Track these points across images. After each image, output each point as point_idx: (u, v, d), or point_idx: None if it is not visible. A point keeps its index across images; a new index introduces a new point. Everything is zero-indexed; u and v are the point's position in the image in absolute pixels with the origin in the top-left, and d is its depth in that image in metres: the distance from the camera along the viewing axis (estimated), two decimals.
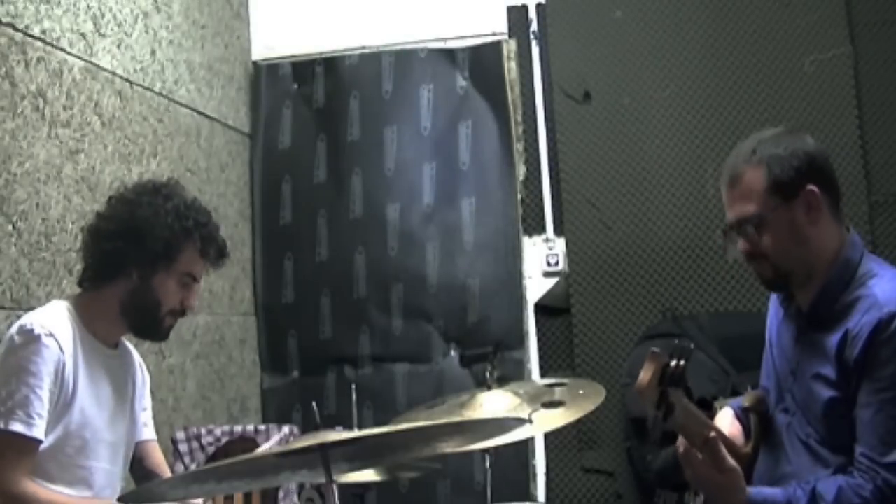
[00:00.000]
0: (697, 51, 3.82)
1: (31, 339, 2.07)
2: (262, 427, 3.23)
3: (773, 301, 2.16)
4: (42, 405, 2.04)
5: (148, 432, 2.43)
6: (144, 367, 2.44)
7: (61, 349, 2.10)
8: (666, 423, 1.79)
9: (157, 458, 2.43)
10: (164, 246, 2.20)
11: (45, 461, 2.07)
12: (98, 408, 2.19)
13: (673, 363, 1.75)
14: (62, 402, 2.10)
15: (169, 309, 2.25)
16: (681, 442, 1.90)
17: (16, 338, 2.08)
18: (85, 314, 2.21)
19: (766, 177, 1.93)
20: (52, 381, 2.07)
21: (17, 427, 2.01)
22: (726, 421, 2.20)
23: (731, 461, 1.86)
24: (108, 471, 2.21)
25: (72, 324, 2.17)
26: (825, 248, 1.95)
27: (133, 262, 2.19)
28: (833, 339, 1.89)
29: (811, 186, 1.93)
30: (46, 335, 2.08)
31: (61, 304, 2.23)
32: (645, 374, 1.75)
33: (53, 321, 2.13)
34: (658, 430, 1.79)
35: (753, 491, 1.87)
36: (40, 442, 2.05)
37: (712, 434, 1.84)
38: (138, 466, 2.39)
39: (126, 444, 2.32)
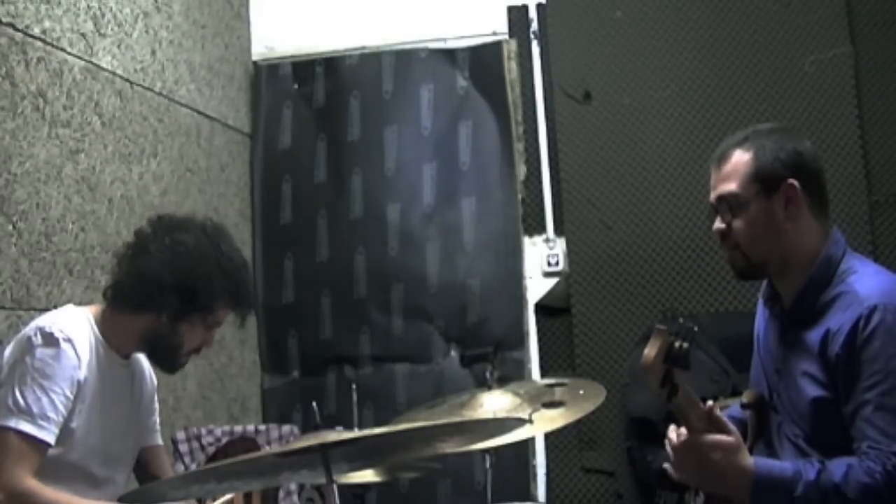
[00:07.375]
0: (697, 51, 3.82)
1: (50, 342, 2.08)
2: (262, 427, 3.23)
3: (760, 302, 2.17)
4: (55, 409, 2.05)
5: (155, 437, 2.43)
6: (153, 374, 2.45)
7: (78, 357, 2.11)
8: (670, 403, 1.78)
9: (164, 464, 2.43)
10: (208, 301, 2.21)
11: (49, 466, 2.06)
12: (105, 416, 2.20)
13: (677, 343, 1.74)
14: (71, 409, 2.10)
15: (189, 349, 2.27)
16: (680, 433, 1.88)
17: (34, 339, 2.09)
18: (104, 325, 2.23)
19: (751, 162, 1.98)
20: (68, 387, 2.08)
21: (25, 427, 2.01)
22: None
23: (731, 425, 1.85)
24: (109, 478, 2.22)
25: (90, 332, 2.19)
26: (802, 243, 1.97)
27: (170, 308, 2.19)
28: (815, 337, 1.90)
29: (792, 181, 1.95)
30: (65, 340, 2.09)
31: (81, 311, 2.23)
32: (651, 350, 1.73)
33: (73, 328, 2.14)
34: (663, 407, 1.77)
35: (759, 461, 1.86)
36: (48, 445, 2.05)
37: (709, 404, 1.85)
38: (143, 472, 2.39)
39: (130, 453, 2.33)
